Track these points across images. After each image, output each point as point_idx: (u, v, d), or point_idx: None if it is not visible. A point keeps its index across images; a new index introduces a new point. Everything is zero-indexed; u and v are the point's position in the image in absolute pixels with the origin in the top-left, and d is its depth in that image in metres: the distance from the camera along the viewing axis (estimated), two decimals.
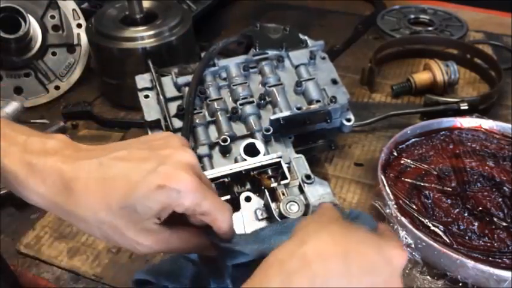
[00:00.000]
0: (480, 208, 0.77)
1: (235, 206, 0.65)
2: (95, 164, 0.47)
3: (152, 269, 0.59)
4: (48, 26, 1.16)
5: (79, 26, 1.18)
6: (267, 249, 0.50)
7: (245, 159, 0.71)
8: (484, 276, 0.67)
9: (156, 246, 0.49)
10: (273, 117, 0.78)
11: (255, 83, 0.87)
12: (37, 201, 0.48)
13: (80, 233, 0.82)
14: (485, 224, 0.75)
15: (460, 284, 0.70)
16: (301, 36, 0.92)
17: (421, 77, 1.10)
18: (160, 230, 0.48)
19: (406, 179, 0.83)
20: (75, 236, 0.82)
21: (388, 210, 0.76)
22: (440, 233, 0.74)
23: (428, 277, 0.70)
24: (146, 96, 0.83)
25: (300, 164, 0.73)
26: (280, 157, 0.69)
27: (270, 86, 0.85)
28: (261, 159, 0.69)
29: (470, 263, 0.67)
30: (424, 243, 0.70)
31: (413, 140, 0.91)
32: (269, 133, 0.77)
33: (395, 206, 0.76)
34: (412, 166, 0.86)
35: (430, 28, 1.37)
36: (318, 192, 0.69)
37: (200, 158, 0.76)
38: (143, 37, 1.03)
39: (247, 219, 0.65)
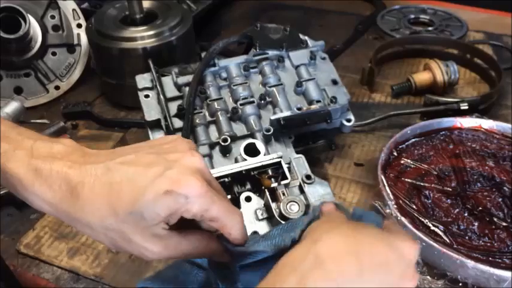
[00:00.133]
0: (480, 208, 0.77)
1: (235, 206, 0.65)
2: (101, 168, 0.46)
3: (156, 277, 0.57)
4: (48, 26, 1.16)
5: (79, 26, 1.18)
6: (280, 244, 0.50)
7: (245, 159, 0.71)
8: (484, 276, 0.67)
9: (165, 252, 0.47)
10: (273, 117, 0.78)
11: (255, 83, 0.87)
12: (42, 206, 0.47)
13: (80, 233, 0.82)
14: (485, 224, 0.75)
15: (460, 284, 0.70)
16: (301, 36, 0.92)
17: (421, 77, 1.10)
18: (169, 236, 0.47)
19: (406, 179, 0.83)
20: (75, 236, 0.82)
21: (388, 210, 0.76)
22: (440, 233, 0.74)
23: (428, 277, 0.70)
24: (146, 96, 0.84)
25: (300, 164, 0.73)
26: (281, 157, 0.69)
27: (270, 86, 0.85)
28: (261, 159, 0.69)
29: (470, 263, 0.67)
30: (424, 243, 0.70)
31: (413, 140, 0.91)
32: (269, 133, 0.77)
33: (395, 206, 0.76)
34: (412, 166, 0.86)
35: (430, 28, 1.37)
36: (318, 192, 0.69)
37: None
38: (143, 37, 1.03)
39: (247, 219, 0.65)
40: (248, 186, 0.69)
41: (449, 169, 0.85)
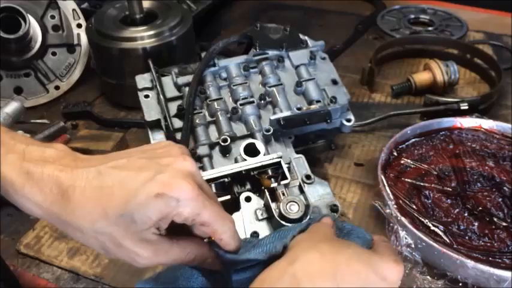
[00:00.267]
0: (480, 208, 0.77)
1: (235, 206, 0.65)
2: (93, 172, 0.46)
3: (156, 279, 0.56)
4: (48, 26, 1.16)
5: (79, 26, 1.18)
6: (272, 251, 0.50)
7: (245, 159, 0.71)
8: (484, 276, 0.67)
9: (155, 258, 0.47)
10: (273, 117, 0.78)
11: (255, 83, 0.87)
12: (33, 210, 0.47)
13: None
14: (485, 224, 0.75)
15: (460, 284, 0.70)
16: (301, 36, 0.92)
17: (421, 77, 1.10)
18: (159, 241, 0.47)
19: (406, 179, 0.83)
20: None
21: (388, 210, 0.76)
22: (440, 233, 0.74)
23: (428, 277, 0.70)
24: (146, 96, 0.84)
25: (300, 164, 0.73)
26: (280, 157, 0.69)
27: (270, 86, 0.85)
28: (261, 159, 0.69)
29: (470, 263, 0.67)
30: (424, 243, 0.70)
31: (413, 140, 0.91)
32: (269, 133, 0.77)
33: (395, 206, 0.76)
34: (412, 166, 0.86)
35: (430, 28, 1.37)
36: (318, 192, 0.69)
37: (200, 158, 0.76)
38: (143, 37, 1.03)
39: (247, 219, 0.65)
40: (248, 186, 0.69)
41: (449, 169, 0.85)
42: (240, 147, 0.74)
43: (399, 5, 1.47)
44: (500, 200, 0.78)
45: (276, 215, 0.63)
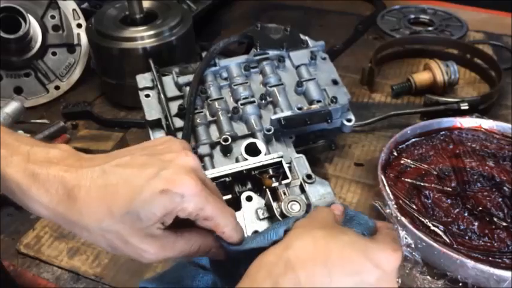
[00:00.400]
0: (480, 208, 0.77)
1: (236, 205, 0.65)
2: (97, 171, 0.46)
3: (160, 278, 0.56)
4: (48, 26, 1.16)
5: (79, 26, 1.18)
6: (273, 237, 0.50)
7: (246, 159, 0.71)
8: (484, 276, 0.67)
9: (162, 253, 0.48)
10: (274, 117, 0.78)
11: (256, 83, 0.87)
12: (40, 210, 0.47)
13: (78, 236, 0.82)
14: (485, 224, 0.75)
15: (460, 284, 0.70)
16: (301, 36, 0.92)
17: (421, 77, 1.10)
18: (165, 235, 0.47)
19: (406, 179, 0.83)
20: (75, 236, 0.82)
21: (388, 210, 0.75)
22: (440, 233, 0.74)
23: (428, 277, 0.70)
24: (147, 96, 0.84)
25: (301, 164, 0.73)
26: (281, 157, 0.69)
27: (270, 86, 0.85)
28: (262, 159, 0.69)
29: (470, 263, 0.67)
30: (424, 243, 0.70)
31: (413, 140, 0.91)
32: (270, 133, 0.77)
33: (395, 206, 0.76)
34: (412, 166, 0.86)
35: (430, 28, 1.38)
36: (318, 191, 0.69)
37: (201, 157, 0.76)
38: (143, 37, 1.03)
39: (248, 218, 0.65)
40: (249, 185, 0.69)
41: (449, 169, 0.85)
42: (241, 146, 0.74)
43: (399, 5, 1.47)
44: (500, 200, 0.78)
45: (277, 214, 0.63)
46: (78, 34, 1.17)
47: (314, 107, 0.81)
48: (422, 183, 0.82)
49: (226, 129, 0.79)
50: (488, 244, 0.73)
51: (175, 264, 0.59)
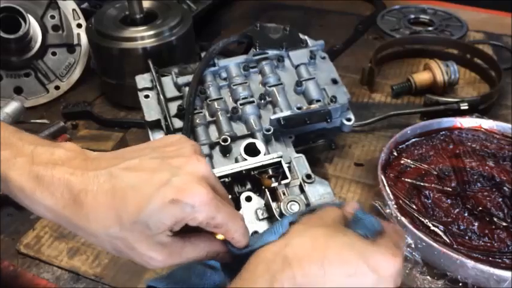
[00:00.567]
0: (480, 208, 0.77)
1: (236, 205, 0.65)
2: (104, 175, 0.45)
3: (168, 277, 0.55)
4: (48, 26, 1.16)
5: (79, 26, 1.18)
6: (279, 230, 0.50)
7: (245, 159, 0.71)
8: (484, 276, 0.67)
9: (169, 260, 0.47)
10: (273, 117, 0.78)
11: (255, 83, 0.87)
12: (44, 213, 0.46)
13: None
14: (485, 224, 0.75)
15: (460, 284, 0.70)
16: (301, 36, 0.92)
17: (421, 77, 1.10)
18: (173, 242, 0.46)
19: (406, 179, 0.83)
20: (75, 236, 0.82)
21: (388, 210, 0.76)
22: (440, 233, 0.74)
23: (428, 277, 0.70)
24: (146, 96, 0.84)
25: (301, 164, 0.73)
26: (281, 157, 0.69)
27: (270, 86, 0.85)
28: (261, 159, 0.69)
29: (470, 263, 0.67)
30: (424, 243, 0.70)
31: (413, 140, 0.91)
32: (269, 133, 0.77)
33: (395, 206, 0.76)
34: (412, 166, 0.86)
35: (430, 28, 1.37)
36: (318, 191, 0.69)
37: None
38: (143, 37, 1.03)
39: (248, 219, 0.65)
40: (248, 186, 0.69)
41: (449, 169, 0.85)
42: (240, 147, 0.74)
43: (399, 5, 1.47)
44: (500, 200, 0.78)
45: (276, 214, 0.63)
46: (78, 34, 1.17)
47: (313, 106, 0.81)
48: (422, 183, 0.82)
49: (226, 129, 0.79)
50: (488, 244, 0.73)
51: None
